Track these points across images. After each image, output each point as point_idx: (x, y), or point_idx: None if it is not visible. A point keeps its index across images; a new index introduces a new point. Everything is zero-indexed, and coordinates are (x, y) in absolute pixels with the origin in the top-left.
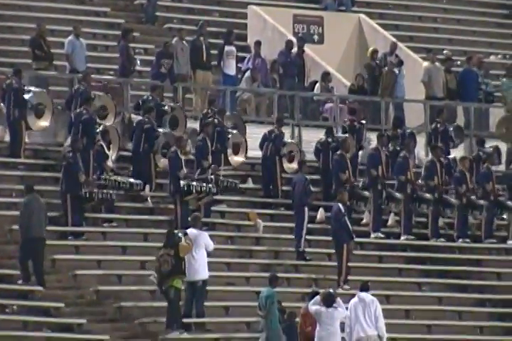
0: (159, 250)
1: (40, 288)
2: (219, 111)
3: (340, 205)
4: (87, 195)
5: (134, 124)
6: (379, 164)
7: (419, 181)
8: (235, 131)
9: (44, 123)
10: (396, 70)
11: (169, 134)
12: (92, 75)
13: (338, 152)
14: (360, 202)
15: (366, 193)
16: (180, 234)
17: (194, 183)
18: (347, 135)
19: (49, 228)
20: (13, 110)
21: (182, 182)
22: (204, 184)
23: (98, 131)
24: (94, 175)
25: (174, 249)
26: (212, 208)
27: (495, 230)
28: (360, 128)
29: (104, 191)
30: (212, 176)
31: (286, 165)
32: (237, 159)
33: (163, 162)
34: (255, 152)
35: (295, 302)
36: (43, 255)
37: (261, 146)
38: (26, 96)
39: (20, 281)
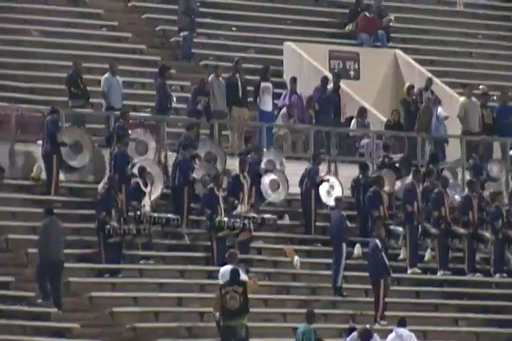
0: (222, 288)
1: (76, 325)
2: (255, 148)
3: (377, 241)
4: (111, 231)
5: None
6: (414, 200)
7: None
8: (277, 168)
9: (83, 161)
10: (433, 107)
11: (206, 165)
12: (129, 113)
13: (372, 188)
14: (392, 238)
15: (399, 229)
16: (241, 271)
17: (225, 219)
18: (384, 170)
19: (85, 265)
20: (46, 146)
21: (217, 219)
22: (238, 220)
23: (135, 168)
24: (129, 212)
25: (242, 286)
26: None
27: None
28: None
29: (133, 227)
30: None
31: (326, 200)
32: (276, 196)
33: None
34: (291, 188)
35: (332, 339)
36: (61, 278)
37: (301, 183)
38: (61, 135)
39: (39, 300)
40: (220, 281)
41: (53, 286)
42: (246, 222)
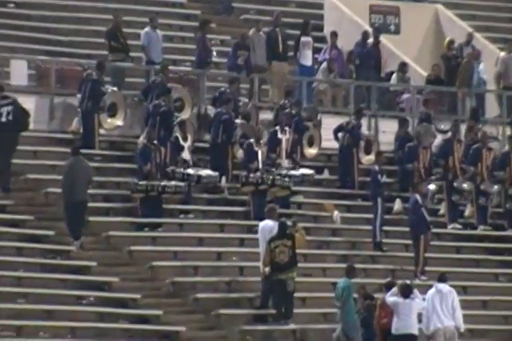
0: (272, 241)
1: (115, 279)
2: (296, 102)
3: (417, 196)
4: (149, 188)
5: (212, 116)
6: (450, 154)
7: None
8: (309, 124)
9: (117, 122)
10: (474, 62)
11: (246, 125)
12: (169, 67)
13: (410, 143)
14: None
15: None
16: (290, 224)
17: (264, 175)
18: (424, 124)
19: (126, 219)
20: (87, 101)
21: (255, 175)
22: (277, 177)
23: (175, 122)
24: (171, 166)
25: (291, 240)
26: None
27: None
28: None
29: (172, 183)
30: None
31: (363, 157)
32: (311, 151)
33: (240, 153)
34: (331, 143)
35: (372, 294)
36: (85, 218)
37: (335, 134)
38: (105, 91)
39: (75, 242)
40: (260, 236)
41: (78, 224)
42: (286, 179)
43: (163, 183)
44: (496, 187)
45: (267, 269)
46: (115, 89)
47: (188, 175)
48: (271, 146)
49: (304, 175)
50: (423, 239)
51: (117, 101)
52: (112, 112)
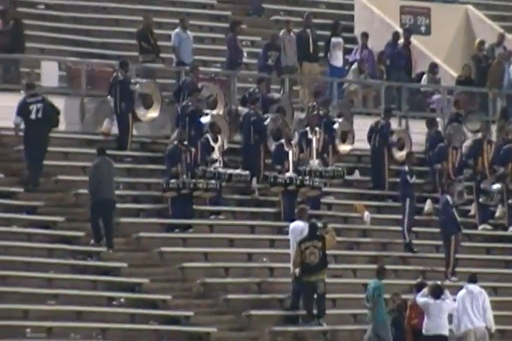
0: (302, 243)
1: (146, 280)
2: (324, 101)
3: (448, 197)
4: (180, 186)
5: (241, 117)
6: (479, 155)
7: None
8: (341, 120)
9: (153, 114)
10: (505, 63)
11: (278, 119)
12: (199, 68)
13: (440, 144)
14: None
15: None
16: (320, 225)
17: (294, 176)
18: (454, 124)
19: (157, 220)
20: (120, 103)
21: (286, 175)
22: (307, 177)
23: (206, 123)
24: (201, 166)
25: (321, 241)
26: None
27: None
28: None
29: (202, 181)
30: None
31: (396, 153)
32: (344, 147)
33: (269, 145)
34: (362, 144)
35: (402, 294)
36: (113, 217)
37: (369, 138)
38: (133, 88)
39: (92, 241)
40: (290, 237)
41: (106, 226)
42: (316, 179)
43: (194, 180)
44: None
45: (297, 270)
46: (145, 80)
47: (219, 173)
48: (301, 147)
49: (334, 170)
50: (453, 239)
51: (151, 92)
52: (147, 104)
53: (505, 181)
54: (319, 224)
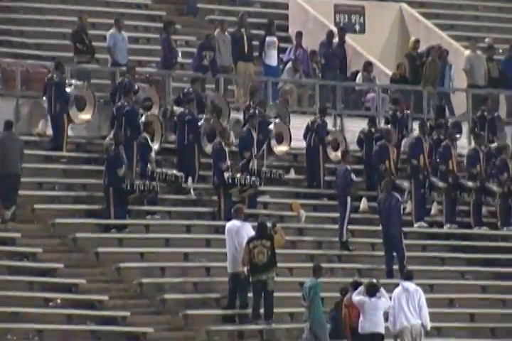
0: (250, 242)
1: (82, 280)
2: (260, 102)
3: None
4: (129, 188)
5: (175, 117)
6: (420, 153)
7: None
8: (277, 120)
9: (86, 116)
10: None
11: (211, 120)
12: (135, 68)
13: (380, 142)
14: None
15: (405, 184)
16: (269, 225)
17: (238, 175)
18: (389, 125)
19: (92, 221)
20: (54, 104)
21: (226, 175)
22: (248, 176)
23: (141, 122)
24: (138, 167)
25: (270, 240)
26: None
27: None
28: (402, 118)
29: (147, 183)
30: (255, 167)
31: (331, 153)
32: (281, 148)
33: (208, 147)
34: (297, 142)
35: (338, 293)
36: (17, 190)
37: (305, 137)
38: (68, 90)
39: (6, 212)
40: (226, 236)
41: (10, 196)
42: (254, 179)
43: (138, 182)
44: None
45: (245, 269)
46: (79, 83)
47: (154, 173)
48: (245, 145)
49: (271, 172)
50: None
51: (84, 94)
52: (81, 106)
53: (453, 178)
54: (268, 224)
